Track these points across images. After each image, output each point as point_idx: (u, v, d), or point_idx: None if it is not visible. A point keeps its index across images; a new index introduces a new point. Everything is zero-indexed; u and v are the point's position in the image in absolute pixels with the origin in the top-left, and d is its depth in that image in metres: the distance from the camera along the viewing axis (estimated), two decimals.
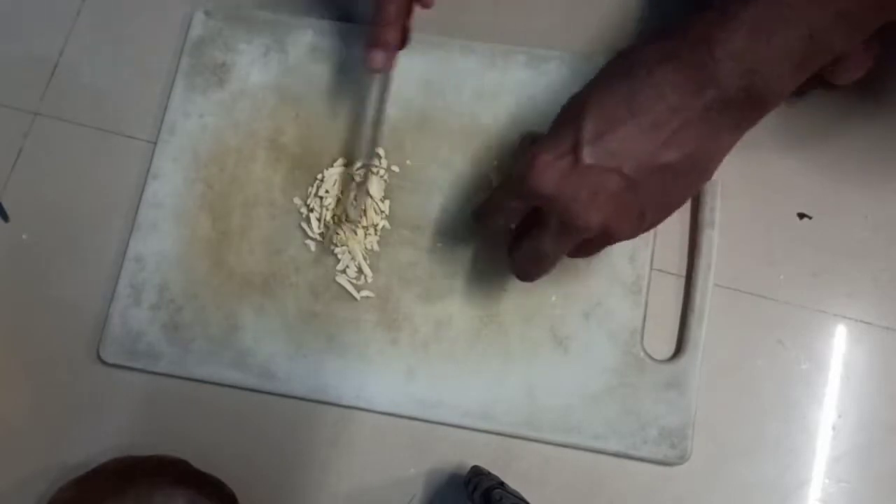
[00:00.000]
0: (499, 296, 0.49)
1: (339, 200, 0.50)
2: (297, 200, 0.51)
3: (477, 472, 0.45)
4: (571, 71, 0.51)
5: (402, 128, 0.51)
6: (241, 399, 0.48)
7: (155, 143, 0.52)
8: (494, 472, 0.45)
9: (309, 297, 0.49)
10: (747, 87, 0.34)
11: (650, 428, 0.47)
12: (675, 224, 0.50)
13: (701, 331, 0.48)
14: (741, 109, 0.35)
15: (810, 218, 0.50)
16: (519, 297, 0.49)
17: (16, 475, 0.48)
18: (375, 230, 0.50)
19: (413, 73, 0.52)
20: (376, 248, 0.50)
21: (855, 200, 0.50)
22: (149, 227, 0.51)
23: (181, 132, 0.52)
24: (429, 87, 0.52)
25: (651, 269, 0.49)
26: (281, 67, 0.53)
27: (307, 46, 0.53)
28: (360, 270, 0.49)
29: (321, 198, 0.50)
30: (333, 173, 0.51)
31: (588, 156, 0.36)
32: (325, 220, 0.50)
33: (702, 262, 0.48)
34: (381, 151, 0.51)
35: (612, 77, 0.37)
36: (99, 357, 0.49)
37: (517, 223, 0.44)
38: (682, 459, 0.46)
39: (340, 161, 0.51)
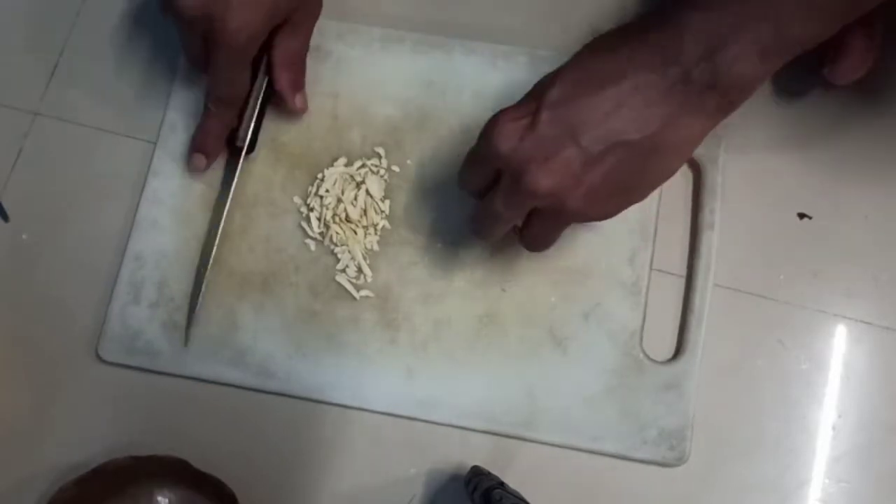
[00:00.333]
0: (498, 296, 0.49)
1: (339, 200, 0.50)
2: (297, 199, 0.51)
3: (477, 472, 0.45)
4: None
5: (403, 128, 0.51)
6: (240, 398, 0.48)
7: (155, 143, 0.52)
8: (494, 472, 0.45)
9: (308, 297, 0.49)
10: (712, 70, 0.35)
11: (649, 429, 0.47)
12: (676, 225, 0.50)
13: (700, 333, 0.48)
14: (706, 94, 0.35)
15: (810, 218, 0.50)
16: (518, 298, 0.49)
17: (16, 475, 0.48)
18: (375, 230, 0.50)
19: (414, 72, 0.52)
20: (376, 247, 0.50)
21: (855, 200, 0.50)
22: (149, 225, 0.51)
23: (182, 130, 0.52)
24: (430, 87, 0.52)
25: (651, 269, 0.49)
26: None
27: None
28: (359, 270, 0.49)
29: (321, 197, 0.50)
30: (334, 172, 0.51)
31: (546, 120, 0.37)
32: (324, 219, 0.50)
33: (701, 265, 0.48)
34: (381, 151, 0.51)
35: (586, 54, 0.38)
36: (97, 355, 0.49)
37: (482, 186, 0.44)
38: (680, 461, 0.46)
39: (341, 160, 0.51)
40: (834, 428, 0.47)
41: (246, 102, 0.49)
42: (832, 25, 0.35)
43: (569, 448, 0.47)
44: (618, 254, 0.49)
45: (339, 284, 0.49)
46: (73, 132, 0.53)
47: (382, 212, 0.50)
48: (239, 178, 0.50)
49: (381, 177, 0.51)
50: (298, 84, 0.50)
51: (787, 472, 0.47)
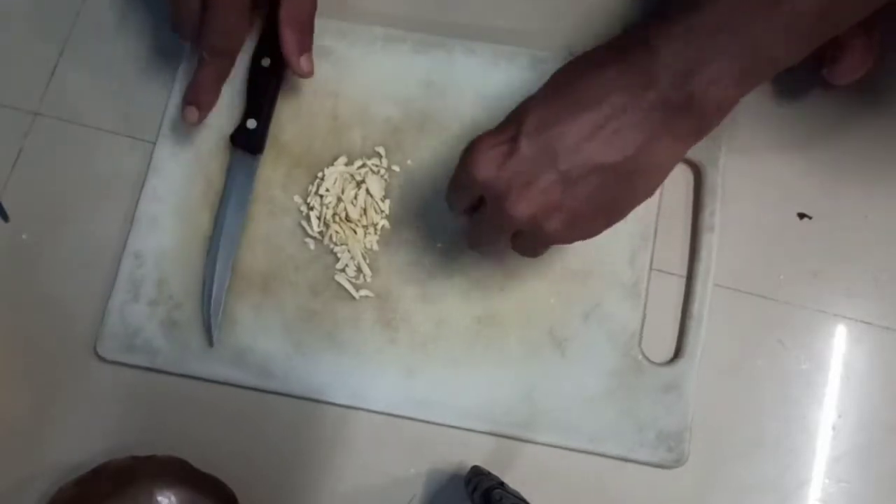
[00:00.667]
0: (498, 297, 0.49)
1: (339, 199, 0.50)
2: (297, 198, 0.51)
3: (477, 472, 0.45)
4: None
5: (403, 128, 0.51)
6: (239, 397, 0.48)
7: (155, 143, 0.52)
8: (494, 472, 0.45)
9: (308, 296, 0.49)
10: (689, 92, 0.35)
11: (648, 431, 0.47)
12: (676, 225, 0.50)
13: (699, 336, 0.48)
14: (684, 116, 0.35)
15: (810, 218, 0.50)
16: (518, 298, 0.49)
17: (16, 475, 0.48)
18: (375, 229, 0.50)
19: (415, 73, 0.52)
20: (376, 247, 0.50)
21: (855, 200, 0.50)
22: (148, 223, 0.51)
23: (182, 128, 0.52)
24: (430, 87, 0.52)
25: (651, 269, 0.49)
26: None
27: None
28: (359, 270, 0.49)
29: (321, 196, 0.50)
30: (334, 172, 0.51)
31: (525, 146, 0.37)
32: (324, 218, 0.50)
33: (701, 267, 0.48)
34: (381, 151, 0.51)
35: (563, 77, 0.38)
36: (96, 353, 0.49)
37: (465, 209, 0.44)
38: (678, 463, 0.46)
39: (341, 160, 0.51)
40: (834, 428, 0.47)
41: (253, 82, 0.49)
42: (808, 46, 0.35)
43: (568, 449, 0.47)
44: (618, 254, 0.49)
45: (339, 284, 0.49)
46: (73, 132, 0.53)
47: (382, 211, 0.50)
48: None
49: (382, 176, 0.51)
50: (305, 45, 0.48)
51: (787, 472, 0.47)
